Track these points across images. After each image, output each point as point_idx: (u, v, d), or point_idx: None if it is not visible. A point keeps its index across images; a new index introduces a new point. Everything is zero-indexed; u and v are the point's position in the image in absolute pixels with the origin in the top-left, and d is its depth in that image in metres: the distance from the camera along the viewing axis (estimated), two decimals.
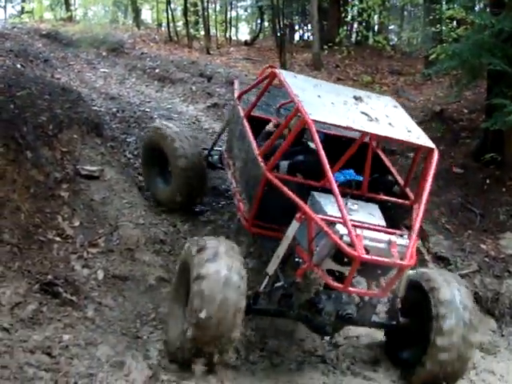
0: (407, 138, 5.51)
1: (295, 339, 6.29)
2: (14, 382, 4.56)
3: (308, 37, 21.65)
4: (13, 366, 4.71)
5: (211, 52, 16.97)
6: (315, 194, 5.40)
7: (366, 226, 5.01)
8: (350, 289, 4.98)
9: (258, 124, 6.73)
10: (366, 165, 5.71)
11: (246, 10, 25.98)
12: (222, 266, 4.93)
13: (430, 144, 5.55)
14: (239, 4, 24.48)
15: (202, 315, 4.80)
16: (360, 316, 5.37)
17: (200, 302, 4.83)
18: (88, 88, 11.92)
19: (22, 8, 24.70)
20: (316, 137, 5.05)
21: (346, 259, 4.85)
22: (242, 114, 6.66)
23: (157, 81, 14.02)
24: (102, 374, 4.92)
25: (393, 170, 6.46)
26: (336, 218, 4.94)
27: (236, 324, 4.90)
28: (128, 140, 9.28)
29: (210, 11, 20.35)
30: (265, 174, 5.46)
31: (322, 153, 4.99)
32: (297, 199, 5.18)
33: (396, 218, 5.64)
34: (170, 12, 18.92)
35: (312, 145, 5.77)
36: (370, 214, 5.31)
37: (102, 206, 7.39)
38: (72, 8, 23.63)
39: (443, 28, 13.60)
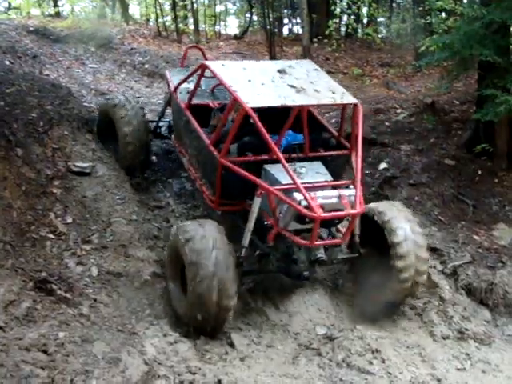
0: (333, 100, 6.31)
1: (290, 332, 6.30)
2: (11, 380, 4.53)
3: (297, 30, 21.57)
4: (8, 363, 4.68)
5: (200, 46, 16.86)
6: (267, 167, 6.14)
7: (317, 185, 5.90)
8: (317, 243, 5.74)
9: (197, 109, 7.37)
10: (304, 130, 6.41)
11: (234, 4, 25.88)
12: (210, 250, 5.66)
13: (354, 100, 6.43)
14: None
15: (200, 290, 5.60)
16: (328, 257, 6.13)
17: (198, 285, 5.60)
18: (77, 84, 11.82)
19: (9, 4, 24.44)
20: (258, 122, 5.74)
21: (307, 219, 5.58)
22: (183, 105, 7.26)
23: (146, 76, 13.94)
24: (98, 371, 4.91)
25: (326, 124, 7.33)
26: (290, 185, 5.68)
27: (231, 292, 5.69)
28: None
29: (199, 5, 20.24)
30: (220, 161, 6.13)
31: (266, 134, 5.72)
32: (253, 177, 5.89)
33: (338, 168, 6.67)
34: (158, 7, 18.78)
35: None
36: (318, 173, 6.19)
37: (94, 203, 7.36)
38: (59, 4, 23.44)
39: (433, 19, 13.58)
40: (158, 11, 18.61)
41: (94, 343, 5.33)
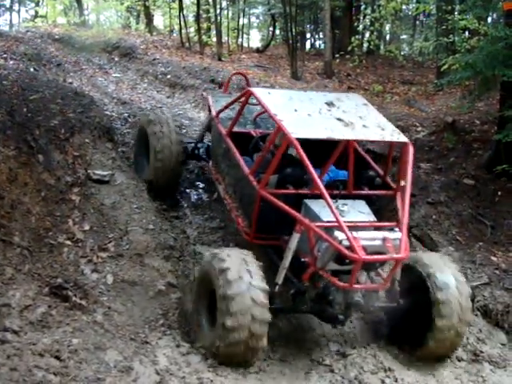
0: (382, 137, 6.02)
1: (303, 348, 6.27)
2: None
3: (319, 45, 21.72)
4: (22, 368, 4.71)
5: (223, 59, 17.01)
6: (307, 201, 5.87)
7: (360, 225, 5.56)
8: (356, 286, 5.42)
9: (237, 137, 7.06)
10: (349, 166, 6.12)
11: (258, 18, 26.09)
12: (245, 285, 5.31)
13: (404, 139, 6.09)
14: (251, 11, 24.56)
15: (231, 328, 5.24)
16: (365, 302, 5.71)
17: (229, 319, 5.24)
18: (100, 93, 11.98)
19: (36, 12, 24.86)
20: (302, 153, 5.45)
21: (347, 260, 5.27)
22: (223, 132, 7.02)
23: (168, 87, 14.08)
24: (110, 379, 4.92)
25: (372, 162, 6.88)
26: (332, 223, 5.38)
27: (263, 334, 5.38)
28: None
29: (223, 18, 20.41)
30: (259, 192, 5.84)
31: (310, 167, 5.45)
32: (292, 212, 5.58)
33: (382, 209, 6.44)
34: (182, 18, 18.99)
35: (294, 152, 5.94)
36: (360, 212, 5.87)
37: (112, 211, 7.40)
38: (85, 13, 23.80)
39: (456, 38, 13.56)
40: (182, 23, 18.79)
41: (107, 351, 5.35)
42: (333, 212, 5.29)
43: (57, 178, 7.26)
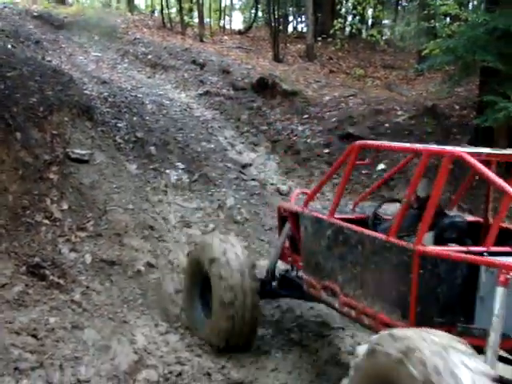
0: None
1: (281, 329, 6.29)
2: None
3: (302, 28, 21.59)
4: None
5: (204, 40, 16.87)
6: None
7: None
8: None
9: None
10: None
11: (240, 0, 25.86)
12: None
13: None
14: None
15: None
16: None
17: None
18: (79, 71, 11.80)
19: None
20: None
21: None
22: (325, 217, 5.14)
23: (149, 67, 13.93)
24: (87, 358, 4.92)
25: None
26: None
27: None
28: (119, 125, 9.20)
29: None
30: (417, 251, 4.00)
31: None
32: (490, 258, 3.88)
33: None
34: None
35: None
36: None
37: (90, 190, 7.35)
38: None
39: (437, 24, 13.58)
40: (164, 3, 18.57)
41: (85, 330, 5.34)
42: None
43: (35, 156, 7.18)
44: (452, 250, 4.08)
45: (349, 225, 4.87)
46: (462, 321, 3.98)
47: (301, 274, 5.68)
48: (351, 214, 5.64)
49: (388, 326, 4.18)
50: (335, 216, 5.07)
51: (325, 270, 5.13)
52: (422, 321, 3.98)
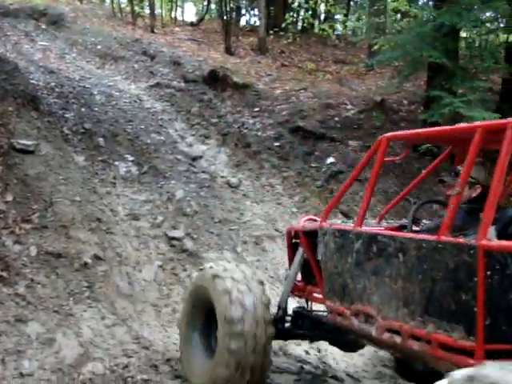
0: None
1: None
2: None
3: (255, 21, 21.58)
4: None
5: (155, 31, 16.69)
6: None
7: None
8: None
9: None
10: None
11: None
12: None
13: None
14: None
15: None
16: None
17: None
18: (25, 61, 11.52)
19: None
20: None
21: None
22: (350, 228, 4.42)
23: (98, 57, 13.70)
24: (31, 351, 4.84)
25: None
26: None
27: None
28: (66, 115, 9.03)
29: None
30: (481, 247, 3.25)
31: None
32: None
33: None
34: None
35: None
36: None
37: (36, 182, 7.18)
38: None
39: (387, 19, 13.80)
40: None
41: (29, 323, 5.25)
42: None
43: None
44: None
45: (385, 231, 4.22)
46: None
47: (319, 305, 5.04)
48: (378, 226, 4.79)
49: (447, 348, 3.46)
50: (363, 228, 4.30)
51: (355, 291, 4.26)
52: (494, 337, 3.25)
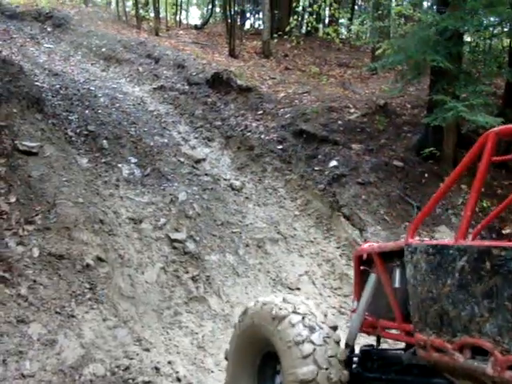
0: None
1: (231, 322, 6.31)
2: None
3: (259, 25, 21.63)
4: None
5: (160, 34, 16.74)
6: None
7: None
8: None
9: None
10: None
11: None
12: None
13: None
14: None
15: None
16: None
17: None
18: (30, 63, 11.59)
19: None
20: None
21: None
22: (451, 243, 3.48)
23: (103, 60, 13.77)
24: (32, 352, 4.85)
25: None
26: None
27: None
28: (70, 118, 9.08)
29: None
30: None
31: None
32: None
33: None
34: None
35: None
36: None
37: (40, 183, 7.21)
38: None
39: (391, 23, 13.82)
40: None
41: (30, 324, 5.25)
42: None
43: None
44: None
45: (503, 243, 3.39)
46: None
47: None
48: (475, 242, 3.92)
49: None
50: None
51: (459, 320, 3.43)
52: None
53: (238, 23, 18.64)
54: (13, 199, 6.82)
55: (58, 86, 10.29)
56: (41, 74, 10.78)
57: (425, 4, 13.67)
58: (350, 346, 4.31)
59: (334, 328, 4.05)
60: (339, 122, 10.49)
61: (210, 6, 22.74)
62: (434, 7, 11.65)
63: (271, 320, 4.01)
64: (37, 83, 9.70)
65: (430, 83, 9.97)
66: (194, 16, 26.64)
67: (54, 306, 5.74)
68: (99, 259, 6.65)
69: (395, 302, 3.98)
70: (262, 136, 10.39)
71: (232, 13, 16.85)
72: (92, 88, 10.87)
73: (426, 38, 8.86)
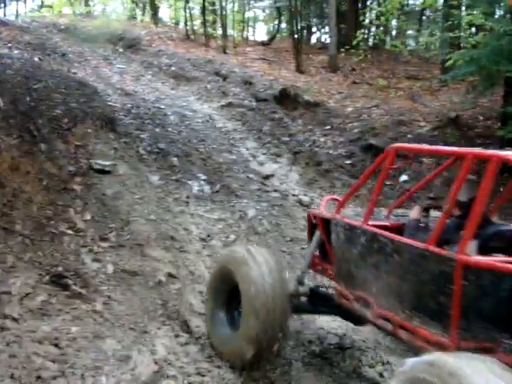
0: None
1: (302, 340, 6.28)
2: (22, 371, 4.57)
3: (325, 39, 21.62)
4: (21, 355, 4.73)
5: (227, 51, 16.98)
6: None
7: None
8: None
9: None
10: None
11: (263, 11, 25.99)
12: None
13: None
14: (257, 4, 24.48)
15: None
16: None
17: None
18: (104, 83, 11.97)
19: (42, 2, 24.85)
20: None
21: None
22: (358, 224, 4.88)
23: (172, 78, 14.07)
24: (108, 367, 4.93)
25: None
26: None
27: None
28: (142, 136, 9.31)
29: (228, 11, 20.36)
30: (460, 261, 3.76)
31: None
32: None
33: None
34: (187, 10, 18.97)
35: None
36: None
37: (113, 201, 7.41)
38: (91, 3, 23.76)
39: (462, 34, 13.50)
40: (187, 15, 18.76)
41: (106, 340, 5.35)
42: None
43: (59, 167, 7.28)
44: (498, 260, 3.76)
45: (384, 232, 4.63)
46: (508, 337, 3.60)
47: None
48: (386, 221, 5.38)
49: (428, 341, 4.04)
50: (369, 223, 4.82)
51: (358, 279, 4.90)
52: (465, 336, 3.79)
53: (305, 38, 18.70)
54: (88, 217, 7.04)
55: (129, 106, 10.58)
56: (113, 94, 11.11)
57: (497, 13, 13.28)
58: (299, 281, 5.61)
59: (282, 271, 5.36)
60: (409, 136, 10.32)
61: (276, 22, 22.92)
62: (507, 16, 11.31)
63: (236, 264, 5.23)
64: (110, 103, 10.00)
65: (503, 94, 9.69)
66: (261, 32, 26.92)
67: (128, 321, 5.85)
68: (170, 275, 6.74)
69: (331, 253, 5.34)
70: (331, 151, 10.34)
71: (298, 28, 16.92)
72: (162, 106, 11.12)
73: (500, 48, 8.63)
